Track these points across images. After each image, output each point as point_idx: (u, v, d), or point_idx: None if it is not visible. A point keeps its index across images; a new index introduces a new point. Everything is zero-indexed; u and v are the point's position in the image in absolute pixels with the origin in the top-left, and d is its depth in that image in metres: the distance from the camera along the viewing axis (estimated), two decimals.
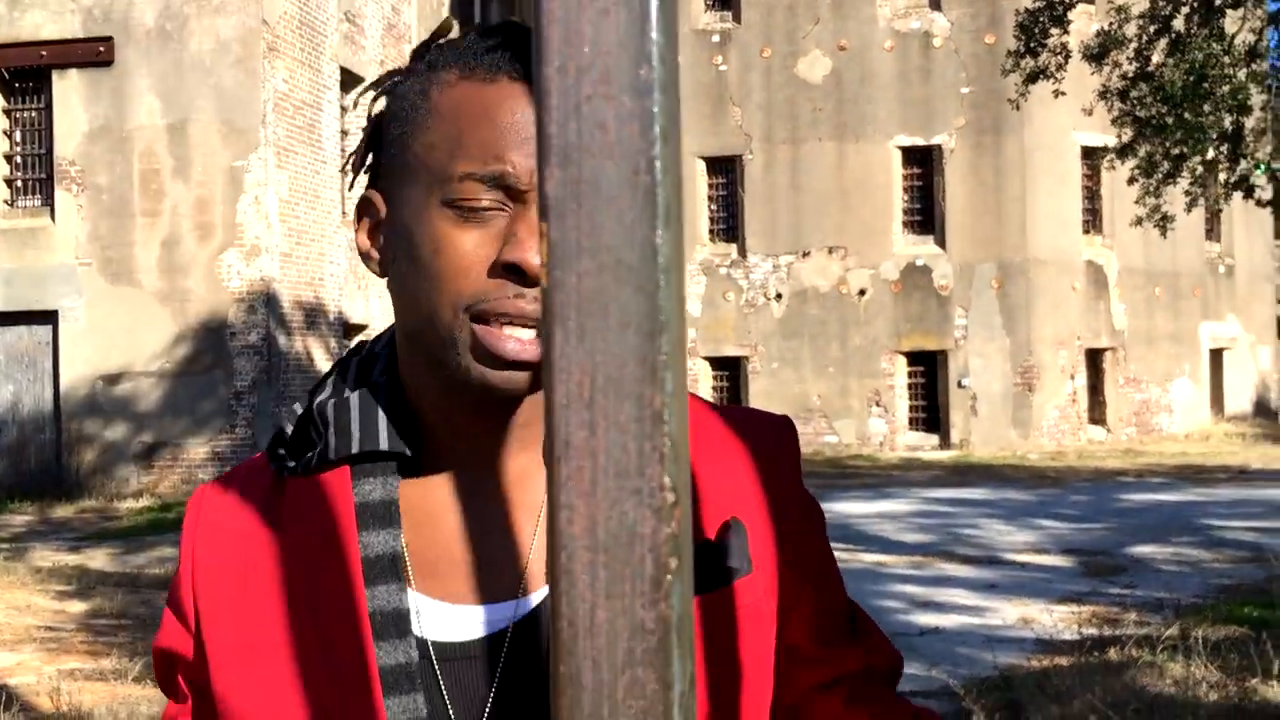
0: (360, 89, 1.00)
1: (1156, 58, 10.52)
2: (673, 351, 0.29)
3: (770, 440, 1.02)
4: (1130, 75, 10.63)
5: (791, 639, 0.98)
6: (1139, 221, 11.97)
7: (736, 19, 21.47)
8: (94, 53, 15.71)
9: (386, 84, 0.97)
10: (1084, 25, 13.55)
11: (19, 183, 16.28)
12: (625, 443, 0.28)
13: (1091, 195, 21.26)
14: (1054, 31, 10.51)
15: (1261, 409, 24.99)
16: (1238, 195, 11.99)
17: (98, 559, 10.54)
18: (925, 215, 21.06)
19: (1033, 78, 10.77)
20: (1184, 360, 22.77)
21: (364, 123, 1.00)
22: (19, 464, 15.97)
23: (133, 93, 15.72)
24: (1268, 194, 11.66)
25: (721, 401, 18.96)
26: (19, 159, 16.31)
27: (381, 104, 0.98)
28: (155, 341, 15.60)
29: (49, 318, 15.83)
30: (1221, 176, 11.05)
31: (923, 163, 20.99)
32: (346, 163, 1.03)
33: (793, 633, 0.98)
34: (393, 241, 0.95)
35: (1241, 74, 10.21)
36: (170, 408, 15.62)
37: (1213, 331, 23.65)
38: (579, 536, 0.28)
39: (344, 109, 17.76)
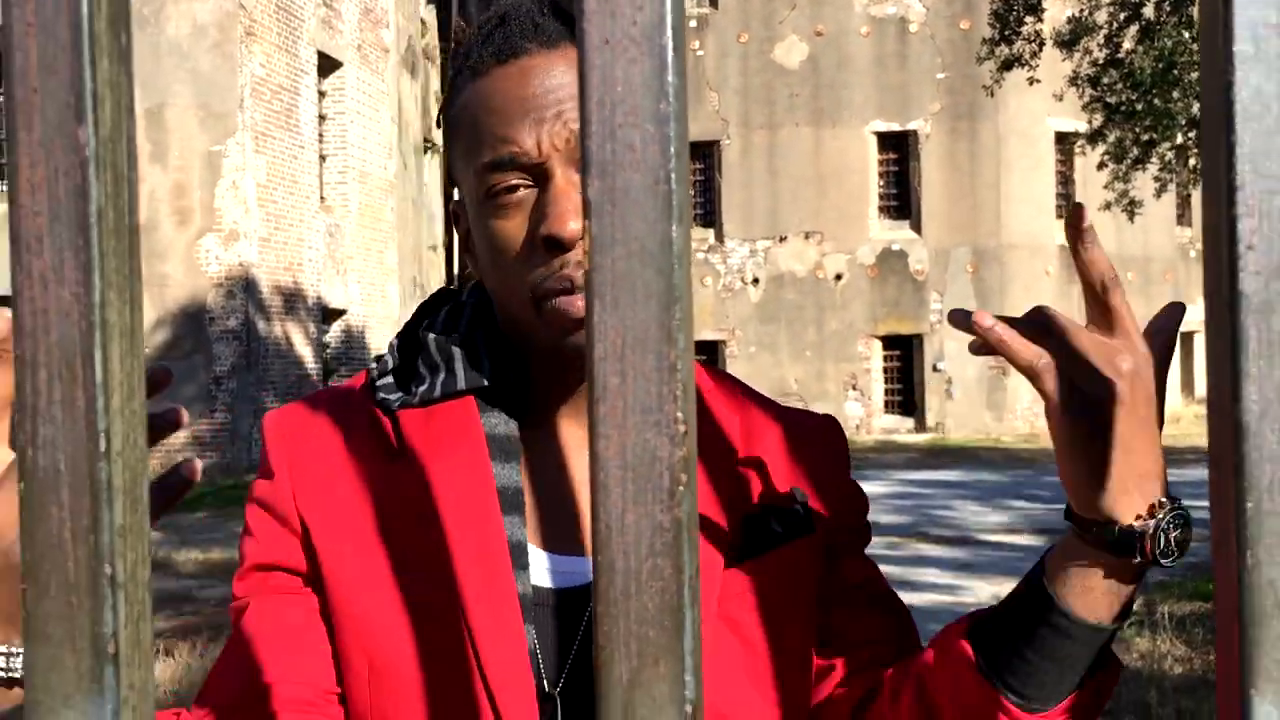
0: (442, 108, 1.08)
1: (1127, 44, 10.66)
2: (683, 319, 0.38)
3: (827, 434, 1.06)
4: (1101, 62, 10.77)
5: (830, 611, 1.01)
6: (1107, 206, 12.13)
7: (714, 4, 21.53)
8: None
9: (449, 106, 1.01)
10: (1057, 11, 13.67)
11: None
12: (648, 387, 0.38)
13: (1065, 180, 21.45)
14: (1028, 20, 10.65)
15: None
16: None
17: None
18: (901, 200, 21.21)
19: (1007, 65, 10.91)
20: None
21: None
22: None
23: None
24: None
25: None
26: None
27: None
28: None
29: None
30: (1191, 162, 11.23)
31: (898, 148, 21.12)
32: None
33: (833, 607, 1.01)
34: (472, 246, 1.00)
35: None
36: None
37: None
38: (613, 458, 0.38)
39: (321, 93, 17.75)
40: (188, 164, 15.61)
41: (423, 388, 0.98)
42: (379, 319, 18.95)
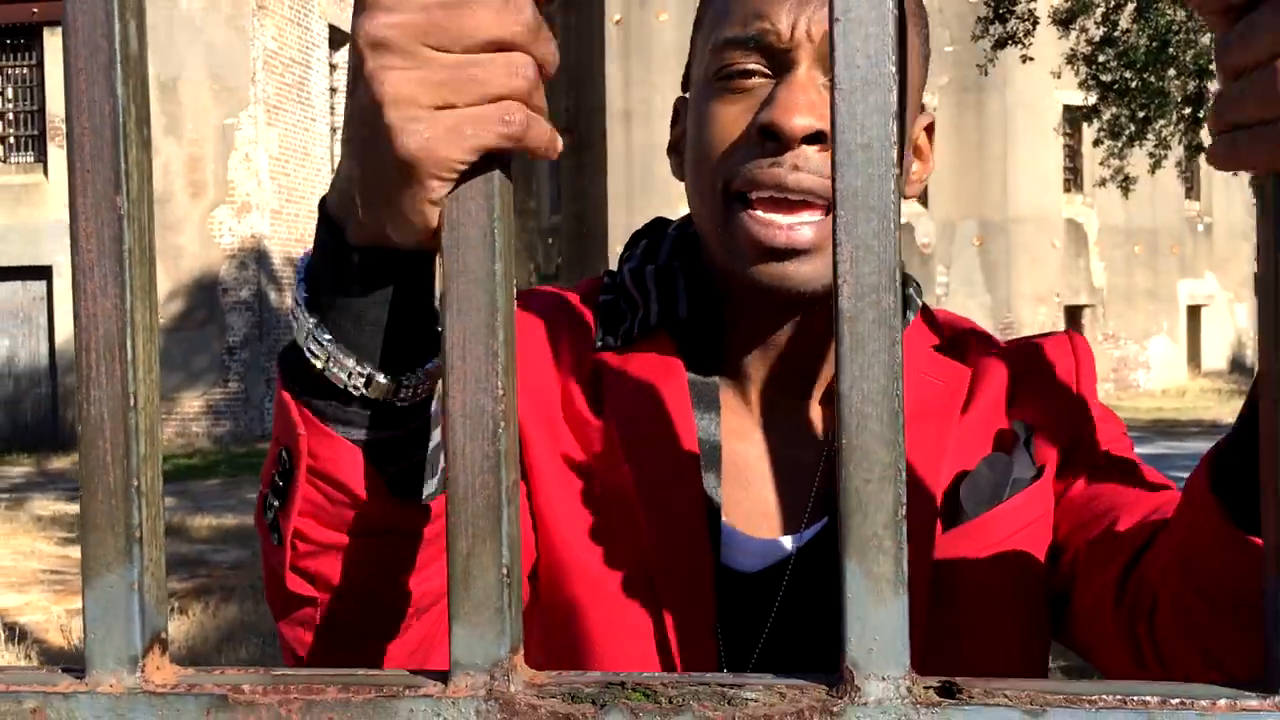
0: None
1: (1123, 23, 10.78)
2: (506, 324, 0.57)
3: (1054, 357, 0.93)
4: (1096, 40, 10.90)
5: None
6: (1103, 183, 12.25)
7: None
8: None
9: None
10: None
11: (12, 139, 16.42)
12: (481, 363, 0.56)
13: (1072, 154, 21.48)
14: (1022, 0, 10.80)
15: (1237, 365, 25.34)
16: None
17: None
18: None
19: (1001, 44, 11.03)
20: (1162, 317, 23.07)
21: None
22: (15, 417, 16.22)
23: None
24: None
25: None
26: (11, 115, 16.43)
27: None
28: None
29: (43, 273, 16.03)
30: (1186, 140, 11.33)
31: None
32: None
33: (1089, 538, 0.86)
34: (683, 148, 0.90)
35: (1205, 39, 10.49)
36: (164, 362, 15.84)
37: (1190, 289, 23.95)
38: (457, 414, 0.56)
39: (333, 66, 17.88)
40: (201, 137, 15.78)
41: (624, 326, 0.90)
42: None
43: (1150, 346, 22.90)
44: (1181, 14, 9.87)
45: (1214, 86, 11.04)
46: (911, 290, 0.95)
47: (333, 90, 17.90)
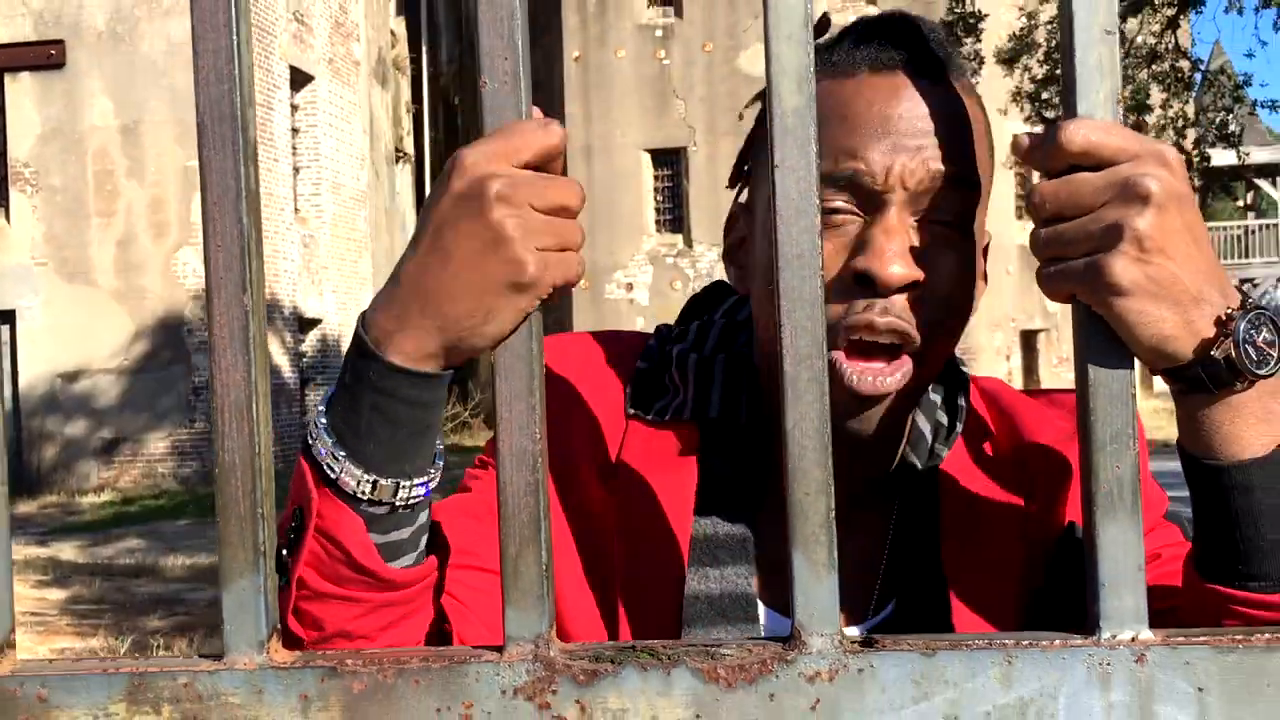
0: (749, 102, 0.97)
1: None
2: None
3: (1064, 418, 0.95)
4: (1039, 78, 11.30)
5: None
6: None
7: (678, 14, 21.91)
8: (45, 55, 15.91)
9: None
10: (1012, 19, 14.13)
11: None
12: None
13: (1024, 182, 21.91)
14: (967, 40, 11.17)
15: None
16: None
17: (67, 551, 10.85)
18: None
19: None
20: None
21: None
22: None
23: (85, 94, 15.94)
24: None
25: None
26: None
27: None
28: (113, 339, 15.85)
29: (6, 317, 16.04)
30: None
31: None
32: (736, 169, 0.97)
33: None
34: (753, 255, 0.91)
35: (1143, 74, 10.88)
36: (129, 403, 15.89)
37: None
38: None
39: (294, 107, 18.03)
40: (164, 178, 15.87)
41: (659, 403, 0.93)
42: (353, 328, 19.22)
43: None
44: (1120, 53, 10.23)
45: (1152, 120, 11.44)
46: (961, 402, 0.96)
47: (294, 130, 18.04)
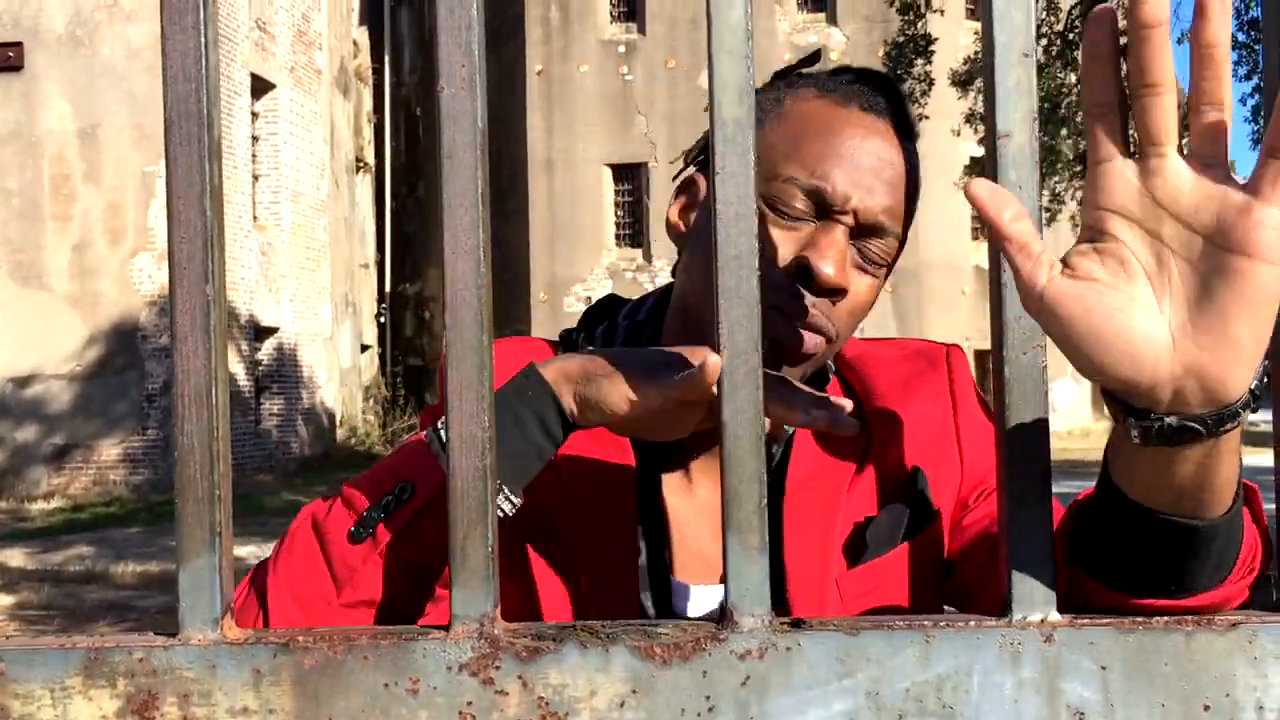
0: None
1: None
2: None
3: (942, 368, 1.08)
4: None
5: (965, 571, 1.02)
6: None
7: (641, 30, 22.02)
8: (4, 58, 15.77)
9: (784, 76, 1.05)
10: (968, 42, 14.33)
11: None
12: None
13: None
14: (918, 61, 11.34)
15: None
16: None
17: (15, 558, 10.72)
18: None
19: None
20: (1066, 361, 23.69)
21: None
22: None
23: (42, 98, 15.81)
24: None
25: None
26: None
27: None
28: (66, 344, 15.70)
29: None
30: (1079, 196, 11.97)
31: None
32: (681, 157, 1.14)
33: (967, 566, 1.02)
34: (702, 221, 1.00)
35: None
36: (82, 410, 15.73)
37: None
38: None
39: (255, 115, 17.96)
40: (122, 184, 15.76)
41: None
42: (310, 337, 19.15)
43: (1055, 389, 23.57)
44: (1072, 77, 10.45)
45: None
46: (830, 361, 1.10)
47: (255, 138, 17.96)
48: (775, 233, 0.97)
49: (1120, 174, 0.62)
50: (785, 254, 0.96)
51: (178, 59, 0.73)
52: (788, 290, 0.95)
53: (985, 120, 0.70)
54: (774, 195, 0.97)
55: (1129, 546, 0.72)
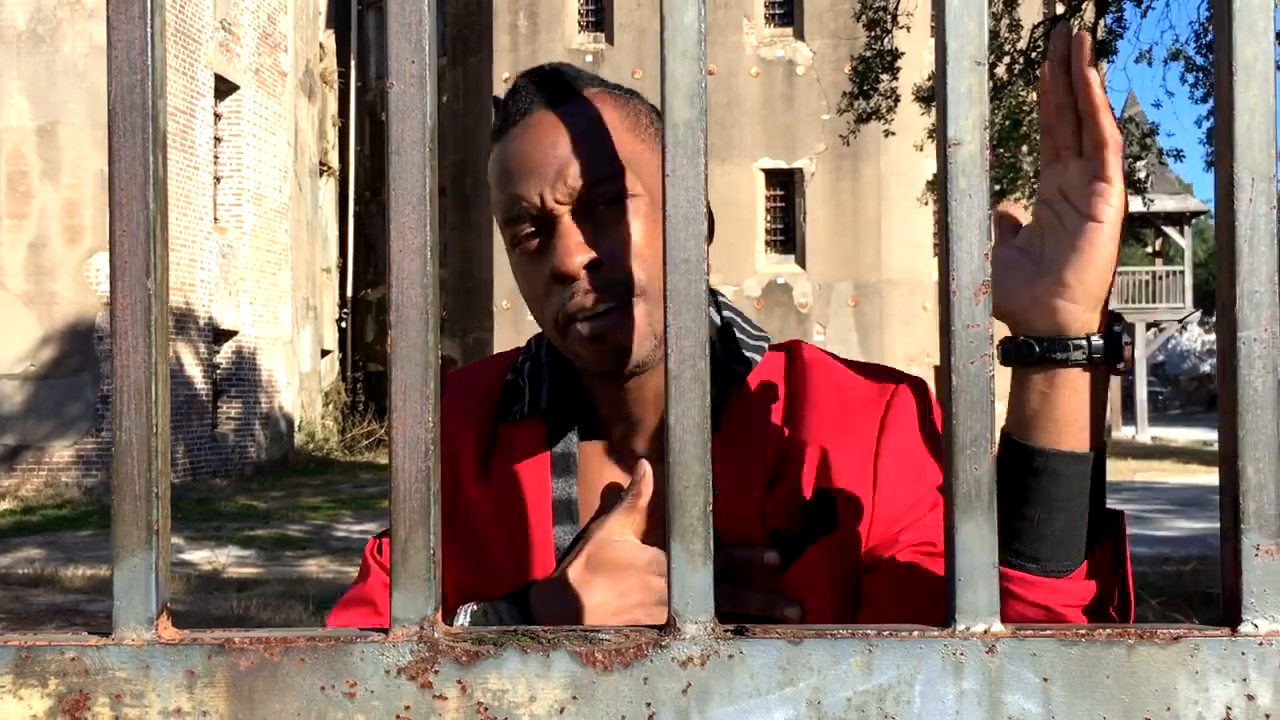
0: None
1: None
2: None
3: (889, 398, 1.10)
4: None
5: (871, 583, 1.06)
6: None
7: (610, 40, 22.05)
8: None
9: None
10: (919, 69, 14.44)
11: None
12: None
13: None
14: (884, 77, 11.40)
15: None
16: None
17: None
18: (787, 236, 21.88)
19: (864, 118, 11.64)
20: None
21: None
22: None
23: (2, 94, 15.63)
24: None
25: None
26: None
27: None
28: (19, 344, 15.51)
29: None
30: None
31: (785, 185, 21.81)
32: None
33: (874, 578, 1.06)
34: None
35: None
36: (34, 410, 15.54)
37: None
38: None
39: (217, 116, 17.83)
40: (80, 182, 15.60)
41: (516, 406, 1.17)
42: (270, 340, 19.01)
43: None
44: (1033, 95, 10.54)
45: None
46: (754, 342, 1.16)
47: (217, 139, 17.83)
48: (531, 268, 1.07)
49: (1052, 170, 0.88)
50: (543, 278, 1.06)
51: (123, 49, 0.72)
52: (559, 303, 1.05)
53: (936, 127, 0.70)
54: (511, 240, 1.08)
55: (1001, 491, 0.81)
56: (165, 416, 0.75)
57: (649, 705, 0.69)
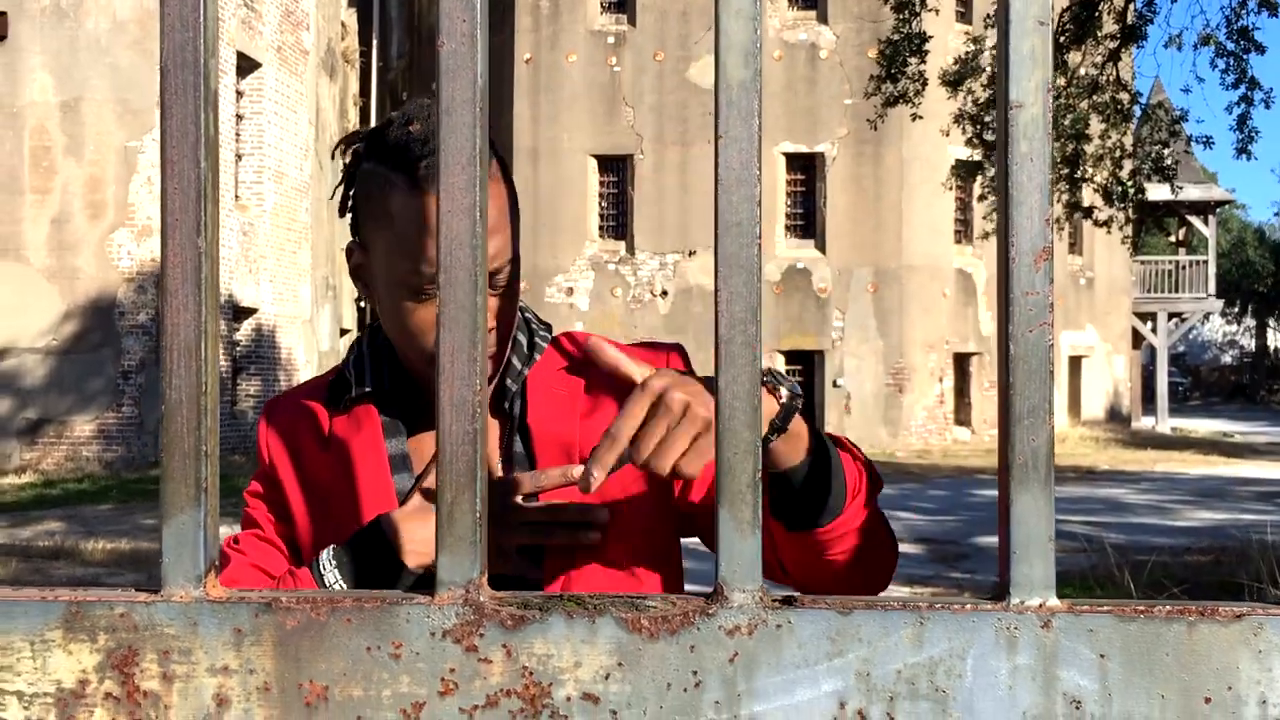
0: (336, 146, 1.37)
1: None
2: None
3: (665, 357, 1.34)
4: (982, 101, 11.49)
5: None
6: (985, 235, 12.78)
7: (632, 22, 21.98)
8: None
9: (352, 169, 1.33)
10: (959, 44, 14.35)
11: None
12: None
13: (964, 206, 22.21)
14: (912, 61, 11.31)
15: (1114, 414, 26.28)
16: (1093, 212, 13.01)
17: None
18: (807, 220, 21.81)
19: (891, 102, 11.56)
20: None
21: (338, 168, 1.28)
22: None
23: (25, 69, 15.67)
24: (1103, 215, 12.61)
25: None
26: None
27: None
28: (42, 319, 15.58)
29: None
30: (1065, 198, 11.95)
31: (806, 169, 21.73)
32: (333, 195, 1.42)
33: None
34: (374, 290, 1.31)
35: (1084, 104, 11.08)
36: (56, 385, 15.61)
37: (1072, 340, 24.84)
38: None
39: (239, 93, 17.84)
40: (103, 158, 15.64)
41: (348, 395, 1.38)
42: (289, 318, 19.05)
43: None
44: (1061, 80, 10.45)
45: (1090, 149, 11.64)
46: (543, 331, 1.40)
47: (239, 117, 17.84)
48: (421, 309, 1.25)
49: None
50: (434, 322, 1.17)
51: (175, 5, 0.72)
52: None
53: (997, 91, 0.69)
54: (409, 285, 1.24)
55: (779, 501, 1.18)
56: (215, 375, 0.74)
57: (695, 674, 0.68)
